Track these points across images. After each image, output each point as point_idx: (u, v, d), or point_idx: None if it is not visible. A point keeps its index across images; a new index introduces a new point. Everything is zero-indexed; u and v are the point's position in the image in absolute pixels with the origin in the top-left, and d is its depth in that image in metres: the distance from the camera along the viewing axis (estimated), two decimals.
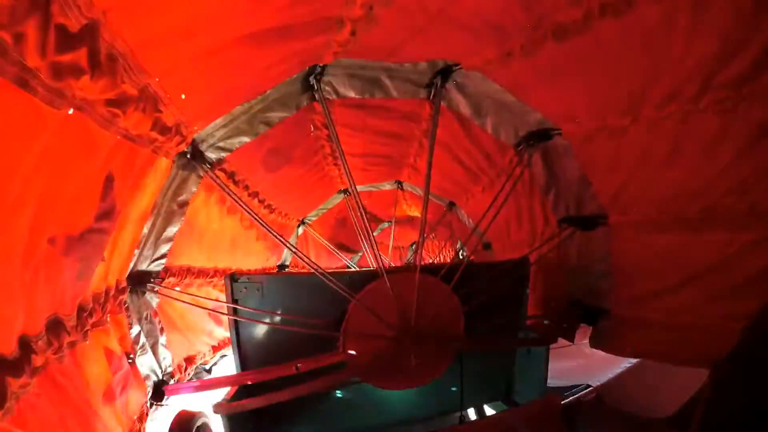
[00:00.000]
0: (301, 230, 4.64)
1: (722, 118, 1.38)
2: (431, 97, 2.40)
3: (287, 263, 4.69)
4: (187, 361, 2.31)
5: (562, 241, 2.56)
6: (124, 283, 1.79)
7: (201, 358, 2.43)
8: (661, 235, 1.87)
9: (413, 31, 1.76)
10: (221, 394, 2.04)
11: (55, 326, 1.32)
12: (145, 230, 1.88)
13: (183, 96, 1.43)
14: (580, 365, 3.21)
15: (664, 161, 1.65)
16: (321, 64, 2.00)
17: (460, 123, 2.56)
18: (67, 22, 0.91)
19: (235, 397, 2.01)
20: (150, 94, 1.32)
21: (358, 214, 2.20)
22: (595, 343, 2.38)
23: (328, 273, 2.09)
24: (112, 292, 1.70)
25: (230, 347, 2.29)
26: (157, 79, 1.30)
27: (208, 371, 2.51)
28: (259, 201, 2.90)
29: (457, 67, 2.16)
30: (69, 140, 1.13)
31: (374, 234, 6.15)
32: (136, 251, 1.87)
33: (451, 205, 4.02)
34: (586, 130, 1.92)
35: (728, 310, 1.64)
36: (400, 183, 4.10)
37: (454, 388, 2.48)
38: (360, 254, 6.73)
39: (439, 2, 1.53)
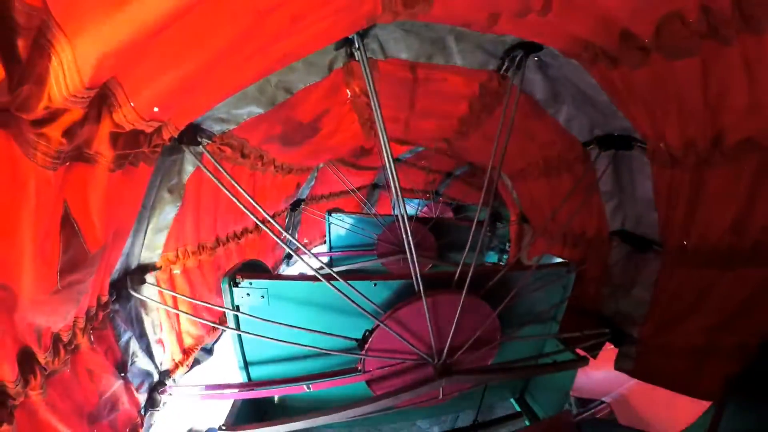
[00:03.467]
0: (321, 165, 4.16)
1: None
2: (503, 70, 1.83)
3: (304, 196, 4.27)
4: (186, 352, 2.10)
5: (610, 256, 2.35)
6: (106, 298, 1.45)
7: (201, 342, 2.23)
8: (703, 270, 1.83)
9: (517, 12, 1.19)
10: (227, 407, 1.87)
11: (30, 365, 1.08)
12: (134, 229, 1.49)
13: (156, 109, 0.92)
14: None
15: (721, 198, 1.64)
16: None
17: (529, 106, 2.06)
18: None
19: (240, 416, 1.84)
20: (106, 102, 0.84)
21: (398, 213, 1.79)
22: (619, 365, 2.35)
23: (354, 280, 1.77)
24: (93, 312, 1.38)
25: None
26: (113, 78, 0.81)
27: (210, 351, 2.33)
28: (275, 167, 2.43)
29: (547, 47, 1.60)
30: None
31: (407, 156, 5.57)
32: (121, 258, 1.50)
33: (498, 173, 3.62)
34: (667, 154, 1.71)
35: (753, 343, 1.71)
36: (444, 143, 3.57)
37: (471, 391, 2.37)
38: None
39: None
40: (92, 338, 1.44)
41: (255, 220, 1.68)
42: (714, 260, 1.77)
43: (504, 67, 1.81)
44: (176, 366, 1.99)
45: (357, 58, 1.60)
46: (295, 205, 4.17)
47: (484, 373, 1.99)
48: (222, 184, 1.54)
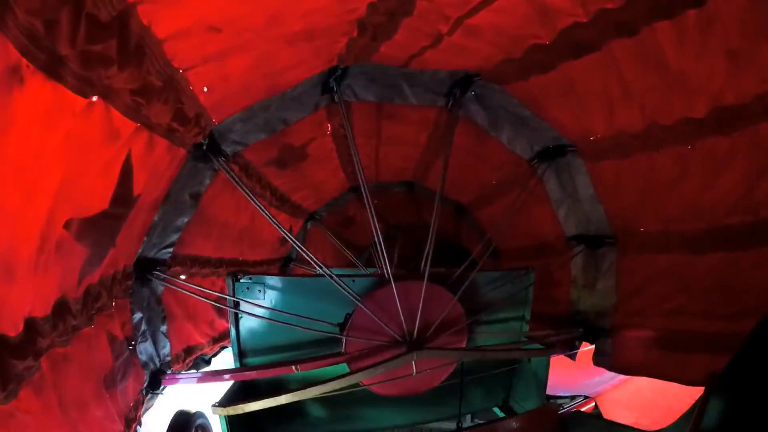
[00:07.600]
0: (309, 225, 4.62)
1: (731, 138, 1.37)
2: (449, 105, 2.39)
3: (293, 256, 4.68)
4: (187, 352, 2.31)
5: (570, 258, 2.59)
6: (131, 269, 1.80)
7: (200, 349, 2.44)
8: (665, 256, 1.87)
9: (433, 40, 1.76)
10: (220, 393, 2.03)
11: (62, 309, 1.32)
12: (156, 218, 1.89)
13: (205, 89, 1.44)
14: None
15: (673, 181, 1.67)
16: (342, 66, 1.99)
17: (477, 133, 2.56)
18: (98, 13, 0.92)
19: (233, 397, 2.01)
20: (174, 85, 1.33)
21: (369, 215, 2.17)
22: (597, 361, 2.42)
23: (335, 274, 2.08)
24: (119, 277, 1.71)
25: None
26: (181, 71, 1.32)
27: (207, 362, 2.51)
28: (272, 193, 2.91)
29: (477, 78, 2.16)
30: (91, 126, 1.15)
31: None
32: (146, 238, 1.88)
33: (460, 208, 4.07)
34: (599, 148, 1.94)
35: (726, 328, 1.68)
36: (410, 184, 4.11)
37: (452, 394, 2.47)
38: (367, 255, 6.74)
39: (458, 14, 1.54)
40: (114, 304, 1.74)
41: (279, 228, 2.06)
42: (674, 245, 1.79)
43: (450, 103, 2.38)
44: (177, 359, 2.19)
45: (336, 101, 2.19)
46: (286, 263, 4.57)
47: (452, 350, 2.16)
48: (251, 196, 1.95)
